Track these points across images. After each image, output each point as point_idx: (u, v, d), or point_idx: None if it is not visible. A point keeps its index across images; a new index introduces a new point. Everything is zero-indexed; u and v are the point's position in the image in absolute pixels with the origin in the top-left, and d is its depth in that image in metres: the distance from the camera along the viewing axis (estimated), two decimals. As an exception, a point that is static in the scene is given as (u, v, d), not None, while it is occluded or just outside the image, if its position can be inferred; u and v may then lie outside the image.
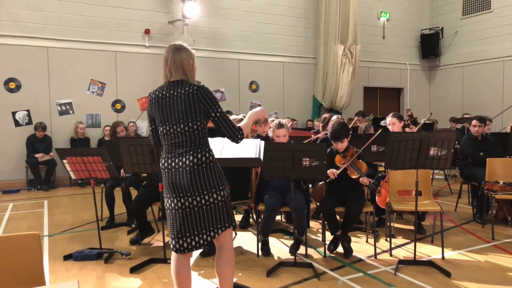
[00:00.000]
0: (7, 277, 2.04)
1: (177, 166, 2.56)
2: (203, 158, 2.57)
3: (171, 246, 2.65)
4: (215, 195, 2.58)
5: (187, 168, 2.53)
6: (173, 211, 2.61)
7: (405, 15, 13.76)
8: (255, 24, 11.31)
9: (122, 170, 5.01)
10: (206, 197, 2.56)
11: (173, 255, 2.68)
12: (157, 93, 2.65)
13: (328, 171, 4.05)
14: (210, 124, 2.67)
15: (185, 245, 2.60)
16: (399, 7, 13.62)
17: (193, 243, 2.59)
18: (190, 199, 2.56)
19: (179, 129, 2.57)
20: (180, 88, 2.57)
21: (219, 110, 2.61)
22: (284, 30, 11.76)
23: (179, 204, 2.58)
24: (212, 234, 2.60)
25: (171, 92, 2.59)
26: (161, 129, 2.65)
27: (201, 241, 2.60)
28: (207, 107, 2.57)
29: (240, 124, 2.76)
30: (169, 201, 2.63)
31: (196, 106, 2.55)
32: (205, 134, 2.63)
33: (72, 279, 3.65)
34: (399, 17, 13.64)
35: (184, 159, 2.55)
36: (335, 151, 4.28)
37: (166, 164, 2.61)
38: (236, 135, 2.66)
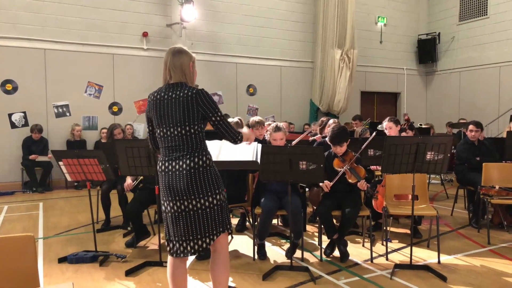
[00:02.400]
0: (1, 279, 2.02)
1: (174, 170, 2.56)
2: (200, 162, 2.56)
3: (168, 249, 2.64)
4: (211, 199, 2.57)
5: (184, 172, 2.53)
6: (170, 214, 2.61)
7: (402, 20, 13.84)
8: (253, 28, 11.35)
9: (128, 181, 4.98)
10: (202, 201, 2.55)
11: (169, 258, 2.67)
12: (155, 94, 2.64)
13: (321, 184, 4.06)
14: (209, 127, 2.68)
15: (181, 248, 2.59)
16: (396, 12, 13.71)
17: (189, 247, 2.58)
18: (186, 203, 2.55)
19: (176, 132, 2.56)
20: (179, 91, 2.56)
21: (219, 113, 2.60)
22: (282, 34, 11.80)
23: (175, 208, 2.57)
24: (208, 240, 2.59)
25: (170, 94, 2.58)
26: (158, 131, 2.64)
27: (196, 247, 2.59)
28: (207, 111, 2.56)
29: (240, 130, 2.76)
30: (165, 204, 2.63)
31: (195, 109, 2.54)
32: (202, 138, 2.62)
33: (67, 282, 3.62)
34: (396, 22, 13.72)
35: (181, 163, 2.54)
36: (333, 155, 4.29)
37: (163, 167, 2.61)
38: (235, 138, 2.69)
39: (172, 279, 2.66)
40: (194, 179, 2.53)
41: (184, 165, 2.53)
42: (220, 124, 2.61)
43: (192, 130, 2.56)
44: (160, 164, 2.63)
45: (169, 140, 2.59)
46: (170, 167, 2.57)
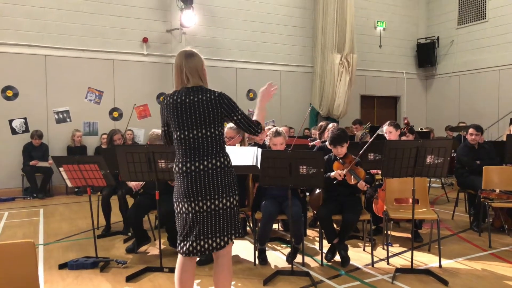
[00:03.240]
0: (1, 286, 2.02)
1: (198, 170, 2.59)
2: (225, 162, 2.65)
3: (179, 249, 2.66)
4: (231, 199, 2.65)
5: (209, 172, 2.59)
6: (190, 215, 2.61)
7: (401, 24, 13.89)
8: (253, 33, 11.39)
9: (132, 183, 4.97)
10: (224, 201, 2.61)
11: (179, 259, 2.68)
12: (174, 97, 2.65)
13: (333, 173, 4.07)
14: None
15: (198, 247, 2.61)
16: (396, 16, 13.76)
17: (206, 245, 2.61)
18: (208, 203, 2.59)
19: (200, 134, 2.61)
20: (201, 94, 2.62)
21: (240, 112, 2.70)
22: (281, 39, 11.83)
23: (197, 208, 2.60)
24: (226, 239, 2.64)
25: (191, 98, 2.62)
26: (178, 133, 2.66)
27: (214, 244, 2.62)
28: (230, 112, 2.66)
29: (255, 117, 2.84)
30: (186, 205, 2.62)
31: (219, 111, 2.63)
32: (223, 139, 2.72)
33: (67, 288, 3.62)
34: (396, 27, 13.76)
35: (205, 163, 2.59)
36: (333, 158, 4.30)
37: (184, 168, 2.62)
38: (256, 130, 2.76)
39: (180, 280, 2.66)
40: (218, 179, 2.60)
41: (210, 165, 2.59)
42: (242, 121, 2.71)
43: (217, 132, 2.65)
44: (180, 165, 2.64)
45: (192, 142, 2.62)
46: (192, 167, 2.60)
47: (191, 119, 2.61)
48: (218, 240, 2.62)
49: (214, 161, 2.60)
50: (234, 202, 2.66)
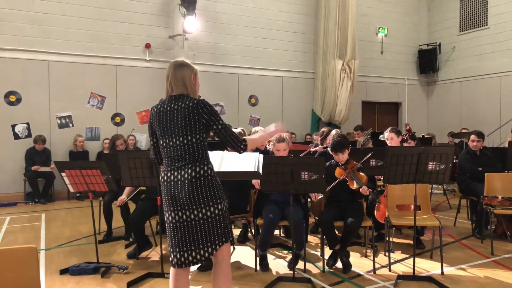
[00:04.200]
0: (3, 291, 2.02)
1: (175, 179, 2.58)
2: (201, 172, 2.58)
3: (170, 259, 2.64)
4: (212, 209, 2.58)
5: (186, 182, 2.55)
6: (171, 225, 2.62)
7: (403, 30, 13.93)
8: (255, 39, 11.43)
9: (122, 197, 5.00)
10: (204, 211, 2.56)
11: (172, 270, 2.67)
12: (158, 106, 2.70)
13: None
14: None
15: (182, 259, 2.59)
16: (397, 22, 13.80)
17: (190, 258, 2.59)
18: (187, 213, 2.56)
19: (178, 142, 2.60)
20: (181, 102, 2.61)
21: (220, 122, 2.63)
22: (283, 45, 11.88)
23: (177, 218, 2.58)
24: (210, 250, 2.60)
25: (172, 105, 2.63)
26: (161, 142, 2.68)
27: (198, 257, 2.59)
28: (208, 120, 2.60)
29: (249, 138, 2.79)
30: (167, 215, 2.64)
31: (196, 119, 2.58)
32: (204, 148, 2.64)
33: (69, 294, 3.61)
34: (397, 33, 13.81)
35: (183, 172, 2.57)
36: (335, 164, 4.30)
37: (165, 177, 2.64)
38: (239, 146, 2.66)
39: None
40: (195, 189, 2.55)
41: (186, 175, 2.56)
42: (222, 132, 2.63)
43: (194, 140, 2.59)
44: (163, 174, 2.66)
45: (172, 150, 2.62)
46: (172, 177, 2.60)
47: (171, 127, 2.61)
48: (202, 252, 2.58)
49: (190, 171, 2.55)
50: (216, 211, 2.59)
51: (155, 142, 2.79)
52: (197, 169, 2.57)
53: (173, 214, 2.59)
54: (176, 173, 2.58)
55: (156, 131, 2.71)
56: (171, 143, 2.62)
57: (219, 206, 2.61)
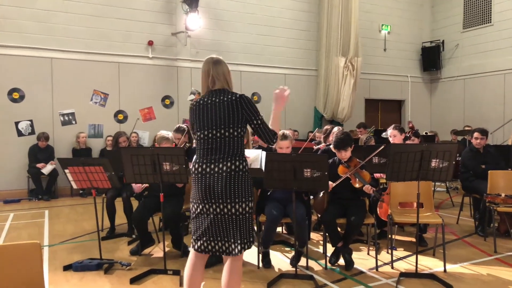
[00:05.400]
0: (7, 286, 2.03)
1: (212, 172, 2.61)
2: (241, 166, 2.64)
3: (193, 246, 2.69)
4: (244, 205, 2.63)
5: (224, 174, 2.58)
6: (205, 216, 2.64)
7: (406, 28, 13.87)
8: (257, 37, 11.41)
9: (136, 185, 4.97)
10: (237, 206, 2.60)
11: (191, 258, 2.71)
12: (199, 101, 2.74)
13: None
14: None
15: (209, 247, 2.64)
16: (400, 20, 13.74)
17: (217, 247, 2.64)
18: (221, 206, 2.60)
19: (218, 134, 2.64)
20: (222, 96, 2.67)
21: (260, 117, 2.72)
22: (286, 43, 11.86)
23: (211, 210, 2.61)
24: (236, 245, 2.62)
25: (213, 99, 2.68)
26: (198, 133, 2.71)
27: (224, 248, 2.63)
28: (250, 115, 2.67)
29: (270, 125, 2.82)
30: (200, 206, 2.66)
31: (240, 113, 2.65)
32: (242, 142, 2.70)
33: (72, 290, 3.63)
34: (400, 30, 13.75)
35: (220, 165, 2.60)
36: (338, 162, 4.29)
37: (200, 169, 2.65)
38: (272, 140, 2.77)
39: (190, 275, 2.70)
40: (232, 183, 2.59)
41: (225, 167, 2.59)
42: (260, 127, 2.72)
43: (236, 133, 2.65)
44: (197, 166, 2.68)
45: (210, 142, 2.65)
46: (208, 169, 2.62)
47: (211, 119, 2.65)
48: (227, 245, 2.63)
49: (229, 164, 2.60)
50: (247, 208, 2.64)
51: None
52: (237, 163, 2.62)
53: (207, 206, 2.62)
54: (213, 166, 2.61)
55: (195, 124, 2.74)
56: (210, 135, 2.65)
57: (250, 204, 2.67)
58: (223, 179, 2.58)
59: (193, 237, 2.71)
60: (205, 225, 2.64)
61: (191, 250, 2.74)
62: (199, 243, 2.67)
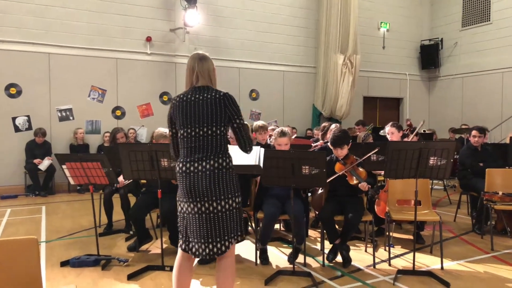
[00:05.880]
0: (3, 282, 2.03)
1: (196, 171, 2.58)
2: (224, 163, 2.61)
3: (180, 246, 2.66)
4: (230, 201, 2.61)
5: (207, 172, 2.56)
6: (190, 216, 2.61)
7: (405, 25, 13.87)
8: (256, 33, 11.39)
9: (120, 178, 4.96)
10: (223, 203, 2.58)
11: (178, 258, 2.68)
12: (181, 96, 2.70)
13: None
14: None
15: (200, 250, 2.58)
16: (399, 17, 13.73)
17: (207, 250, 2.58)
18: (207, 204, 2.57)
19: (201, 132, 2.61)
20: (206, 93, 2.64)
21: (241, 118, 2.69)
22: (284, 40, 11.83)
23: (196, 209, 2.58)
24: (226, 244, 2.60)
25: (197, 96, 2.65)
26: (181, 131, 2.67)
27: (215, 250, 2.58)
28: (232, 114, 2.64)
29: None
30: (186, 206, 2.63)
31: (223, 111, 2.62)
32: (226, 140, 2.67)
33: (69, 285, 3.62)
34: (399, 28, 13.74)
35: (204, 163, 2.57)
36: (335, 159, 4.29)
37: (184, 169, 2.62)
38: (247, 147, 2.73)
39: (177, 278, 2.67)
40: (217, 180, 2.56)
41: (208, 166, 2.57)
42: (240, 129, 2.68)
43: (218, 131, 2.62)
44: (181, 165, 2.64)
45: (193, 140, 2.62)
46: (192, 168, 2.59)
47: (195, 117, 2.61)
48: (218, 245, 2.59)
49: (212, 162, 2.57)
50: (234, 204, 2.62)
51: (175, 133, 2.77)
52: (220, 160, 2.59)
53: (192, 206, 2.59)
54: (196, 164, 2.58)
55: (177, 121, 2.70)
56: (193, 133, 2.62)
57: (237, 200, 2.65)
58: (207, 177, 2.55)
59: (180, 238, 2.67)
60: (192, 226, 2.60)
61: (179, 249, 2.70)
62: (184, 245, 2.65)
